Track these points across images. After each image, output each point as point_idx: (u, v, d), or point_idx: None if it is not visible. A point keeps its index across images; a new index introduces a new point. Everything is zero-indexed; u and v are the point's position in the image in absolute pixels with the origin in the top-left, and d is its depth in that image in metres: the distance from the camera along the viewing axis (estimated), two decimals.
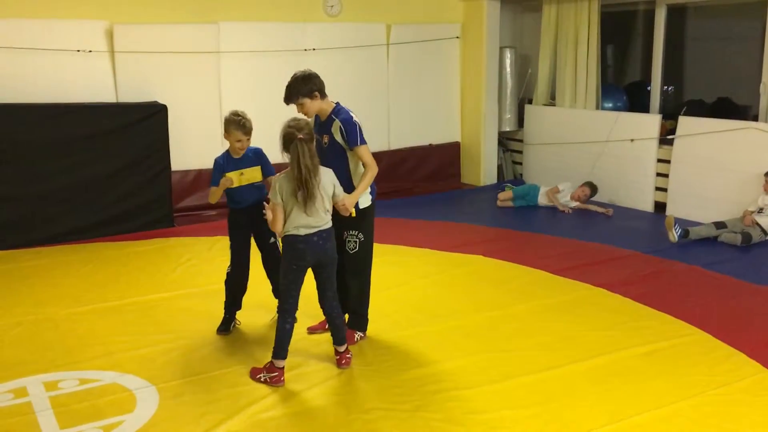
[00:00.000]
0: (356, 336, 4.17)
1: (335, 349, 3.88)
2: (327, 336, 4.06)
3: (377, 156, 8.45)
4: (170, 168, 6.78)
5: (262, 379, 3.64)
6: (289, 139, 3.57)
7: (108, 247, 6.13)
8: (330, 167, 3.79)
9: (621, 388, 3.58)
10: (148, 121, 6.59)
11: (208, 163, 7.26)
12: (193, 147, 7.21)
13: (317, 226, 3.63)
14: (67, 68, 6.62)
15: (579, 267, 5.47)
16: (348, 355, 3.87)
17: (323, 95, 3.98)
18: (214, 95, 7.34)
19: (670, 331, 4.26)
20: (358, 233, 4.04)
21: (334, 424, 3.27)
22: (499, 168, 8.96)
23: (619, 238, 6.26)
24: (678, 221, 6.20)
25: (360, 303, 4.20)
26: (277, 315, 3.72)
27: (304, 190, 3.51)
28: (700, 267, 5.45)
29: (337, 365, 3.84)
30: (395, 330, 4.35)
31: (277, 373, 3.63)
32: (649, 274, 5.34)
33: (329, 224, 3.69)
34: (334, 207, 3.77)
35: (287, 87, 3.97)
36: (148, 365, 3.86)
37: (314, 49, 7.71)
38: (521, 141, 8.81)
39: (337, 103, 4.07)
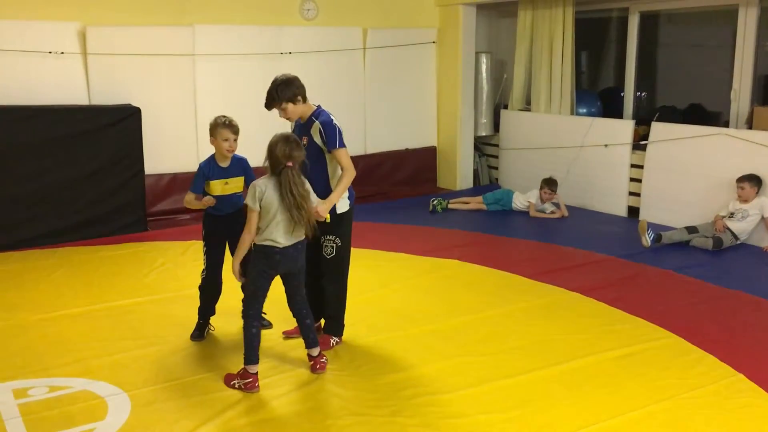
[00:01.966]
0: (332, 341, 4.15)
1: (308, 353, 3.85)
2: (301, 341, 4.04)
3: (354, 160, 8.46)
4: (144, 171, 6.71)
5: (236, 386, 3.60)
6: (277, 163, 3.54)
7: (80, 252, 6.04)
8: (309, 170, 3.79)
9: (595, 391, 3.60)
10: (122, 123, 6.51)
11: (182, 167, 7.30)
12: (168, 150, 7.15)
13: (297, 239, 3.63)
14: (38, 70, 6.53)
15: (553, 271, 5.51)
16: (322, 360, 3.85)
17: (305, 99, 3.95)
18: (188, 98, 7.28)
19: (643, 334, 4.30)
20: (335, 238, 4.02)
21: (310, 430, 3.24)
22: (475, 172, 9.00)
23: (593, 243, 6.32)
24: (651, 226, 6.27)
25: (336, 308, 4.17)
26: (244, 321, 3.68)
27: (295, 213, 3.51)
28: (672, 271, 5.51)
29: (312, 370, 3.82)
30: (371, 334, 4.33)
31: (251, 379, 3.60)
32: (622, 278, 5.39)
33: (303, 235, 3.68)
34: None
35: (269, 92, 3.93)
36: (120, 372, 3.81)
37: (290, 53, 7.69)
38: (497, 146, 8.85)
39: (318, 106, 4.05)
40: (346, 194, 4.02)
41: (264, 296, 3.70)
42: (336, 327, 4.19)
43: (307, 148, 3.87)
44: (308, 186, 3.64)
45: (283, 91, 3.88)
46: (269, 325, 4.36)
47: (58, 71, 6.62)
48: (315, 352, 3.84)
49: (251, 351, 3.62)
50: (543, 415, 3.36)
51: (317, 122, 3.93)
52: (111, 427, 3.26)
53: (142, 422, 3.30)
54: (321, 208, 3.76)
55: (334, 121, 3.95)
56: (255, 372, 3.62)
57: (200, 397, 3.54)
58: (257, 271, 3.64)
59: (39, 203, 6.22)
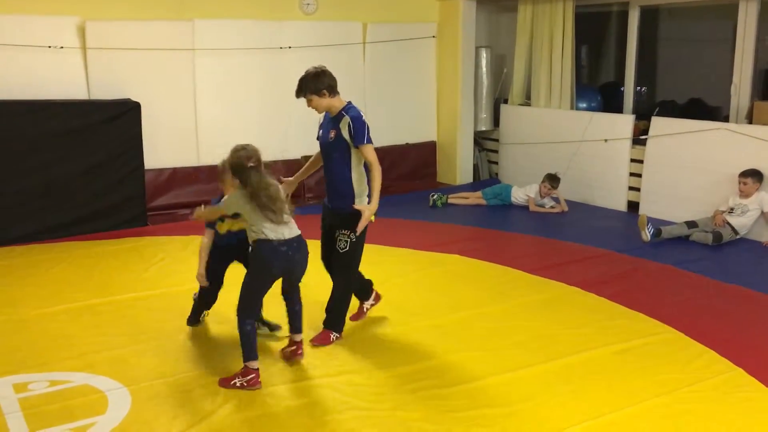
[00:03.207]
0: (332, 336, 4.15)
1: (290, 338, 3.88)
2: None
3: None
4: (144, 166, 6.70)
5: (238, 384, 3.57)
6: (240, 167, 3.59)
7: (80, 246, 6.04)
8: (333, 163, 4.02)
9: (595, 386, 3.61)
10: (121, 118, 6.50)
11: (182, 162, 7.29)
12: (167, 145, 7.15)
13: (294, 234, 3.65)
14: (38, 65, 6.51)
15: (554, 266, 5.51)
16: (300, 351, 3.87)
17: (333, 93, 4.04)
18: (188, 93, 7.27)
19: (643, 329, 4.31)
20: (350, 233, 4.04)
21: (310, 425, 3.25)
22: (475, 167, 9.00)
23: (593, 238, 6.32)
24: (650, 220, 6.28)
25: (341, 302, 4.19)
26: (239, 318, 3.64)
27: (276, 205, 3.54)
28: (672, 266, 5.51)
29: (288, 356, 3.84)
30: (372, 329, 4.34)
31: (253, 375, 3.58)
32: (622, 272, 5.39)
33: (298, 232, 3.69)
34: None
35: (299, 81, 4.03)
36: (121, 366, 3.81)
37: (290, 47, 7.67)
38: (497, 140, 8.85)
39: (349, 102, 4.12)
40: (366, 191, 4.08)
41: (263, 296, 3.71)
42: (336, 322, 4.19)
43: (334, 142, 4.00)
44: (276, 184, 3.67)
45: (310, 83, 3.98)
46: (277, 328, 4.26)
47: (58, 66, 6.60)
48: (298, 338, 3.88)
49: (250, 348, 3.60)
50: (544, 409, 3.37)
51: (347, 117, 3.99)
52: (111, 422, 3.26)
53: (143, 417, 3.31)
54: (367, 212, 3.94)
55: (363, 117, 4.02)
56: (256, 368, 3.60)
57: (200, 391, 3.55)
58: (261, 268, 3.62)
59: (39, 198, 6.22)
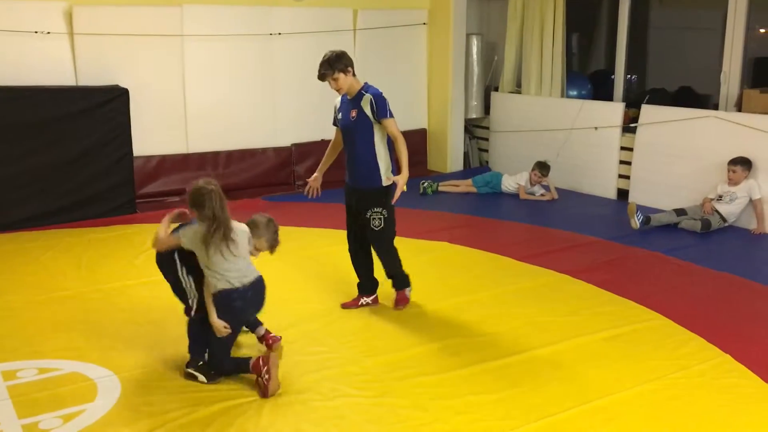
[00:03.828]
0: (407, 292, 4.47)
1: (257, 335, 3.88)
2: (286, 322, 4.04)
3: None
4: (132, 153, 6.66)
5: (267, 376, 3.38)
6: (200, 193, 3.34)
7: (69, 234, 6.01)
8: (357, 143, 4.16)
9: (584, 372, 3.63)
10: (110, 105, 6.45)
11: (170, 149, 7.25)
12: (156, 132, 7.11)
13: (249, 276, 3.49)
14: (24, 50, 6.44)
15: (543, 253, 5.53)
16: (272, 335, 3.83)
17: (354, 73, 4.19)
18: (177, 79, 7.22)
19: (631, 316, 4.33)
20: (382, 210, 4.22)
21: (300, 411, 3.26)
22: (466, 155, 8.99)
23: (583, 225, 6.34)
24: (640, 208, 6.30)
25: (395, 267, 4.42)
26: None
27: (221, 231, 3.31)
28: (660, 253, 5.54)
29: (270, 346, 3.81)
30: (361, 316, 4.34)
31: (260, 366, 3.42)
32: (611, 260, 5.42)
33: (256, 274, 3.55)
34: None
35: (323, 63, 4.14)
36: (110, 354, 3.80)
37: (279, 34, 7.63)
38: (487, 128, 8.84)
39: (366, 83, 4.28)
40: (390, 167, 4.25)
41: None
42: (403, 280, 4.47)
43: (357, 121, 4.17)
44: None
45: (336, 63, 4.11)
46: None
47: (45, 51, 6.54)
48: (262, 330, 3.88)
49: (241, 366, 3.52)
50: (533, 396, 3.38)
51: (367, 95, 4.18)
52: (101, 409, 3.26)
53: (132, 404, 3.30)
54: (401, 182, 4.10)
55: (383, 94, 4.21)
56: (258, 360, 3.45)
57: (190, 380, 3.54)
58: (228, 321, 3.47)
59: (27, 185, 6.17)
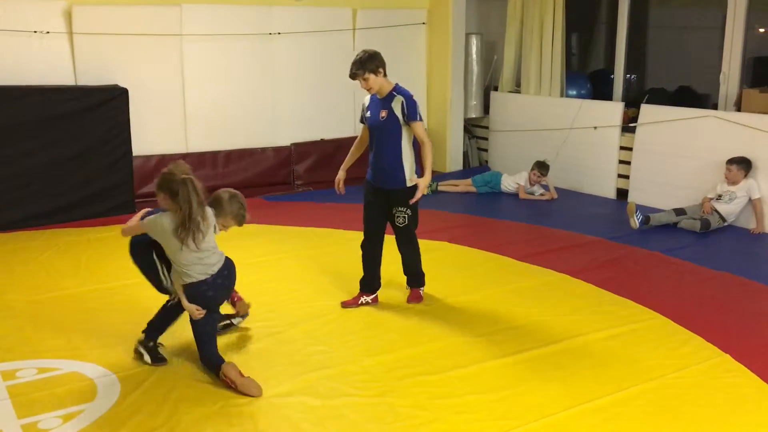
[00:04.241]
0: (421, 291, 4.56)
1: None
2: (286, 321, 4.04)
3: (342, 142, 8.45)
4: (131, 153, 6.66)
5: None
6: (171, 180, 3.33)
7: (68, 234, 6.00)
8: (385, 142, 4.24)
9: (583, 372, 3.63)
10: (109, 104, 6.45)
11: (170, 149, 7.25)
12: (155, 132, 7.10)
13: (216, 264, 3.51)
14: (23, 50, 6.44)
15: (543, 253, 5.53)
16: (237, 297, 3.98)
17: (385, 74, 4.26)
18: (176, 79, 7.22)
19: (631, 315, 4.33)
20: (406, 209, 4.35)
21: (300, 410, 3.25)
22: (465, 155, 8.99)
23: (582, 225, 6.34)
24: (639, 208, 6.30)
25: (415, 264, 4.54)
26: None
27: (194, 224, 3.32)
28: (660, 253, 5.54)
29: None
30: (360, 316, 4.34)
31: (234, 372, 3.42)
32: (610, 259, 5.42)
33: (223, 259, 3.56)
34: None
35: (355, 62, 4.22)
36: (109, 353, 3.80)
37: (279, 33, 7.63)
38: (487, 128, 8.84)
39: (396, 84, 4.35)
40: (413, 167, 4.34)
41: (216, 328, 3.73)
42: (419, 279, 4.58)
43: (386, 121, 4.25)
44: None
45: (368, 63, 4.19)
46: (236, 317, 4.11)
47: (44, 51, 6.53)
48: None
49: (212, 362, 3.51)
50: (532, 396, 3.38)
51: (399, 96, 4.26)
52: (100, 409, 3.26)
53: (132, 404, 3.30)
54: (422, 185, 4.25)
55: (414, 97, 4.30)
56: (232, 367, 3.44)
57: (190, 379, 3.54)
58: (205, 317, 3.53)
59: (26, 185, 6.17)
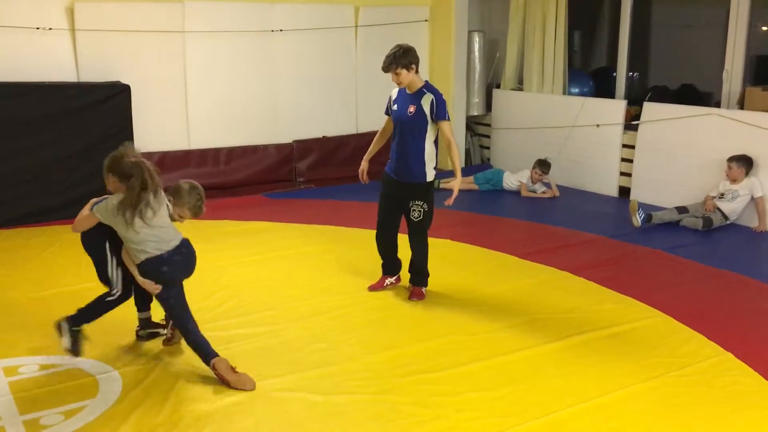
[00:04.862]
0: (423, 290, 4.57)
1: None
2: (287, 318, 4.04)
3: (345, 140, 8.45)
4: None
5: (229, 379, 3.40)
6: (122, 163, 3.42)
7: (70, 230, 5.95)
8: (409, 137, 4.31)
9: (585, 370, 3.63)
10: (111, 101, 6.45)
11: (172, 145, 7.25)
12: (157, 128, 7.10)
13: (171, 242, 3.50)
14: (25, 46, 6.44)
15: (544, 251, 5.52)
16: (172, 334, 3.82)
17: (417, 70, 4.32)
18: (178, 75, 7.21)
19: (632, 313, 4.33)
20: (423, 203, 4.42)
21: (301, 407, 3.26)
22: (467, 152, 8.99)
23: (584, 223, 6.33)
24: (641, 206, 6.29)
25: (421, 262, 4.57)
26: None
27: (142, 202, 3.36)
28: (662, 251, 5.54)
29: (167, 337, 3.83)
30: (362, 313, 4.34)
31: (224, 367, 3.43)
32: (612, 257, 5.41)
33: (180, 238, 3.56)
34: None
35: (389, 56, 4.30)
36: (111, 350, 3.80)
37: (281, 30, 7.62)
38: (489, 125, 8.83)
39: (427, 81, 4.43)
40: (434, 164, 4.41)
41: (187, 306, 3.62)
42: (423, 279, 4.59)
43: (414, 117, 4.32)
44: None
45: (402, 58, 4.26)
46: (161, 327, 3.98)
47: (46, 47, 6.53)
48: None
49: (203, 351, 3.49)
50: (533, 393, 3.38)
51: (428, 94, 4.32)
52: (102, 405, 3.26)
53: (133, 400, 3.30)
54: (456, 189, 4.36)
55: (443, 96, 4.37)
56: (222, 359, 3.45)
57: (191, 375, 3.54)
58: (167, 291, 3.54)
59: (29, 181, 6.17)
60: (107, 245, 3.61)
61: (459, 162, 4.42)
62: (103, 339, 3.93)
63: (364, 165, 4.73)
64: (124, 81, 6.63)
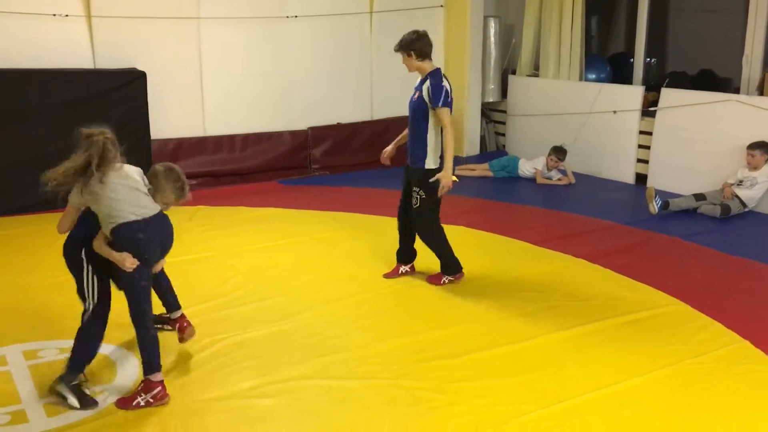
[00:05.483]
0: (443, 279, 4.56)
1: (170, 318, 3.72)
2: (301, 305, 4.05)
3: (360, 126, 8.43)
4: (150, 136, 6.69)
5: (142, 404, 3.14)
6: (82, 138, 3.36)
7: None
8: (414, 122, 4.37)
9: (601, 357, 3.62)
10: (127, 88, 6.47)
11: (188, 132, 7.27)
12: (173, 115, 7.12)
13: (148, 211, 3.28)
14: (42, 33, 6.46)
15: (560, 238, 5.50)
16: (186, 324, 3.64)
17: (423, 57, 4.38)
18: (194, 62, 7.22)
19: (649, 301, 4.31)
20: (419, 190, 4.42)
21: (316, 392, 3.27)
22: (482, 139, 8.94)
23: (600, 210, 6.30)
24: (658, 193, 6.25)
25: (437, 248, 4.57)
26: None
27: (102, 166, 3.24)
28: (679, 238, 5.50)
29: (183, 334, 3.65)
30: (377, 300, 4.36)
31: (159, 389, 3.18)
32: (629, 245, 5.38)
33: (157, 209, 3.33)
34: None
35: (400, 40, 4.41)
36: (129, 334, 3.80)
37: (296, 17, 7.60)
38: (504, 112, 8.78)
39: (437, 68, 4.43)
40: (438, 153, 4.39)
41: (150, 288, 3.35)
42: (446, 266, 4.57)
43: (416, 102, 4.40)
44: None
45: (405, 43, 4.38)
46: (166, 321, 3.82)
47: (63, 34, 6.55)
48: (178, 314, 3.70)
49: (154, 357, 3.21)
50: (550, 380, 3.38)
51: (428, 81, 4.35)
52: (120, 389, 3.30)
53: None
54: (444, 181, 4.29)
55: (443, 83, 4.34)
56: (160, 380, 3.22)
57: (212, 360, 3.57)
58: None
59: (45, 168, 6.12)
60: (83, 253, 3.34)
61: (450, 151, 4.32)
62: (121, 321, 3.94)
63: (389, 147, 4.78)
64: (140, 67, 6.65)
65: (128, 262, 3.17)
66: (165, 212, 3.39)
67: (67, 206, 3.35)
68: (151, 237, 3.26)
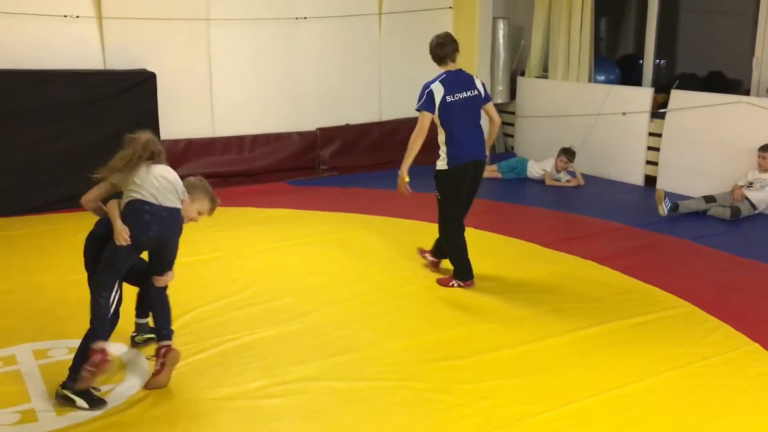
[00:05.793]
0: (452, 282, 4.56)
1: (158, 346, 3.45)
2: (310, 305, 4.06)
3: (369, 127, 8.43)
4: (159, 137, 6.70)
5: (85, 374, 3.14)
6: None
7: (97, 216, 6.07)
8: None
9: (609, 359, 3.61)
10: (137, 89, 6.51)
11: (197, 133, 7.30)
12: (183, 116, 7.15)
13: (166, 202, 3.39)
14: (53, 34, 6.51)
15: (568, 239, 5.49)
16: (162, 366, 3.34)
17: (437, 62, 4.54)
18: (203, 63, 7.25)
19: (658, 303, 4.30)
20: (436, 191, 4.58)
21: (324, 393, 3.28)
22: None
23: (609, 212, 6.28)
24: (668, 195, 6.22)
25: (451, 254, 4.61)
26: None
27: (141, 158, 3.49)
28: (689, 240, 5.48)
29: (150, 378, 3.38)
30: (384, 301, 4.36)
31: (99, 356, 3.17)
32: (638, 247, 5.36)
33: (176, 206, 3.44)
34: None
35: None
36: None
37: (305, 18, 7.62)
38: (513, 113, 8.77)
39: (443, 72, 4.53)
40: (447, 155, 4.49)
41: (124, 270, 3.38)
42: (455, 271, 4.57)
43: None
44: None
45: (430, 48, 4.55)
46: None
47: (73, 35, 6.60)
48: (166, 343, 3.42)
49: (100, 325, 3.28)
50: (557, 382, 3.38)
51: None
52: (129, 389, 3.32)
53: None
54: (399, 180, 4.50)
55: (430, 86, 4.47)
56: (101, 348, 3.21)
57: (220, 358, 3.58)
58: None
59: (56, 168, 6.25)
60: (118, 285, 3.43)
61: (408, 151, 4.49)
62: (131, 322, 3.98)
63: None
64: (150, 69, 6.68)
65: (123, 235, 3.29)
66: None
67: (111, 201, 3.53)
68: (157, 221, 3.35)
